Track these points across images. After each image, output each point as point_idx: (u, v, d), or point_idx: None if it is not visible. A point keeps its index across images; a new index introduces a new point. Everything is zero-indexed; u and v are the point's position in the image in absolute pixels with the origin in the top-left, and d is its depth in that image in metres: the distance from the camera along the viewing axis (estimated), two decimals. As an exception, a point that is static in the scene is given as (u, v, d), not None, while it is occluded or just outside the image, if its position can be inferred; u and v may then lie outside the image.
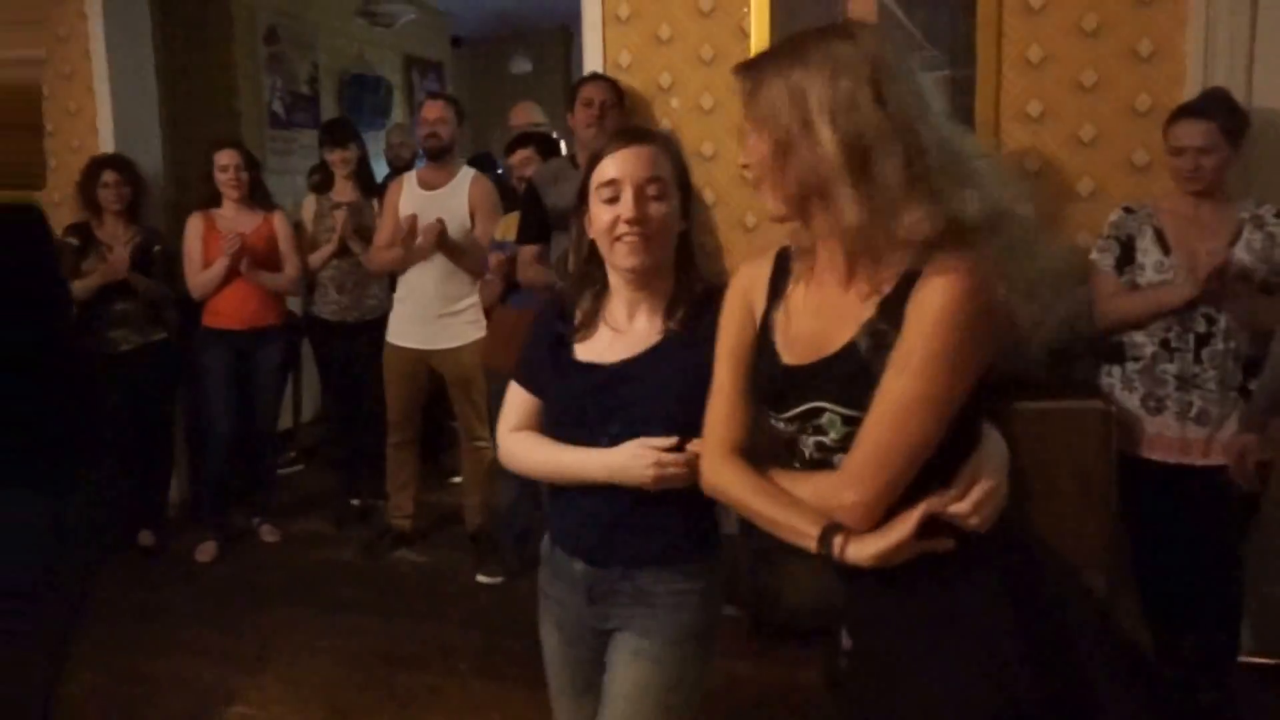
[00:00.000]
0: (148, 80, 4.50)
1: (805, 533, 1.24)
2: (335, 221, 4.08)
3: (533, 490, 3.67)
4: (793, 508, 1.27)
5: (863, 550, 1.19)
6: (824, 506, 1.23)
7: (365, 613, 3.54)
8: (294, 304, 4.44)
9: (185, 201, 4.11)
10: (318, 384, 4.69)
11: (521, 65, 7.47)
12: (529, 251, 3.32)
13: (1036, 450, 2.58)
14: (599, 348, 1.63)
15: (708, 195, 3.39)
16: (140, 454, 4.04)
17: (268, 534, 4.21)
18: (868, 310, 1.22)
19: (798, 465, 1.32)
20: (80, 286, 3.83)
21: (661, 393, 1.55)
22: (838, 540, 1.21)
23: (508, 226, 3.63)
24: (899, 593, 1.25)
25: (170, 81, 4.69)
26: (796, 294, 1.35)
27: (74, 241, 3.90)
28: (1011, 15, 3.05)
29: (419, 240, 3.67)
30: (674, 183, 1.59)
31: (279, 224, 4.05)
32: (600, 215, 1.57)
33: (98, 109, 4.32)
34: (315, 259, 4.13)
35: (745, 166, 1.34)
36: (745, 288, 1.42)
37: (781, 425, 1.32)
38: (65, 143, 4.34)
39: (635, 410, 1.56)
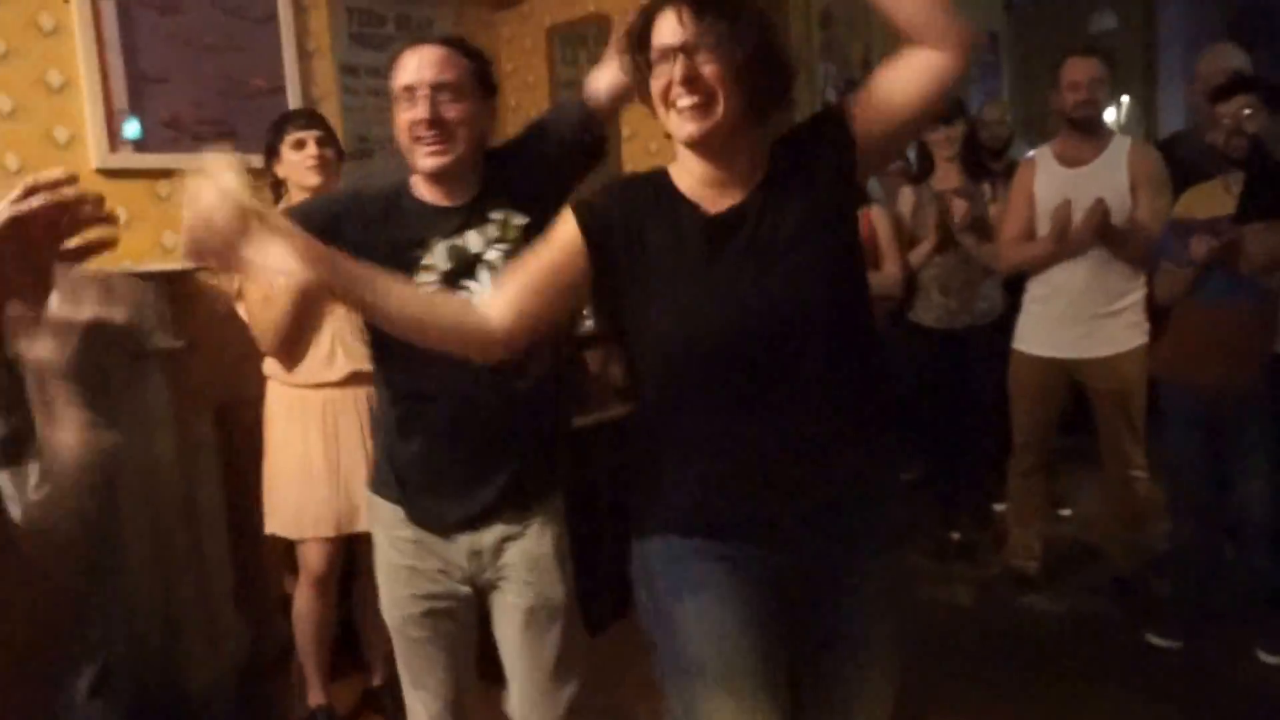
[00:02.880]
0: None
1: None
2: (950, 211, 3.55)
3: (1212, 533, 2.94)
4: None
5: None
6: None
7: (1001, 668, 2.97)
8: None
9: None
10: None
11: (1105, 22, 6.46)
12: (1260, 229, 2.52)
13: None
14: None
15: None
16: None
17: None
18: None
19: None
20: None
21: None
22: None
23: (1197, 199, 2.87)
24: None
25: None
26: None
27: None
28: None
29: (1074, 231, 3.04)
30: None
31: (877, 218, 3.61)
32: None
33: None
34: (916, 256, 3.65)
35: None
36: None
37: None
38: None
39: None
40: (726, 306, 1.40)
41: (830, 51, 5.26)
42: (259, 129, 2.75)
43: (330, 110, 3.63)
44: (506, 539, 1.82)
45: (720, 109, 1.38)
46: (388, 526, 1.86)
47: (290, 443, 2.58)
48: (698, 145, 1.41)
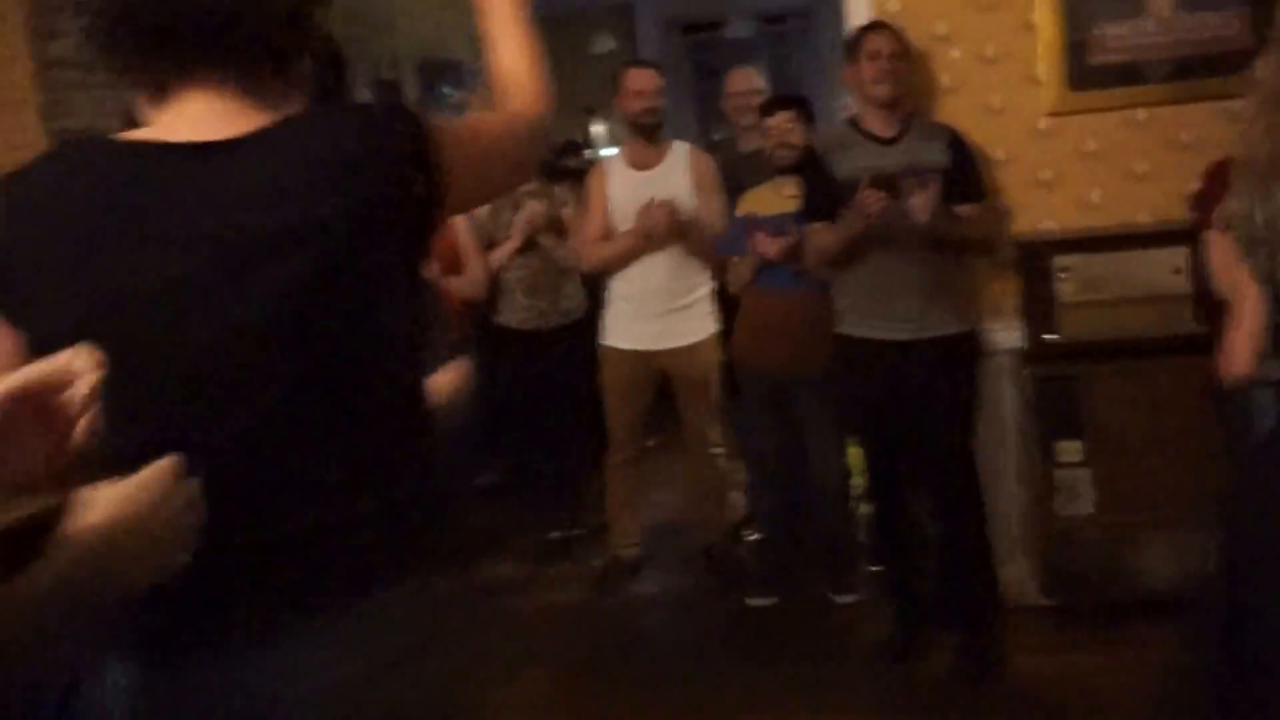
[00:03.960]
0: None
1: None
2: (524, 214, 3.58)
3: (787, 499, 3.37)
4: None
5: None
6: None
7: (618, 655, 3.10)
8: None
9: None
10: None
11: (605, 44, 6.95)
12: (819, 228, 2.89)
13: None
14: None
15: (998, 153, 3.00)
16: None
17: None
18: None
19: None
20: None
21: None
22: None
23: (757, 200, 3.24)
24: None
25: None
26: None
27: None
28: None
29: (648, 228, 3.25)
30: None
31: (458, 223, 3.54)
32: None
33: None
34: (497, 258, 3.64)
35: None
36: None
37: None
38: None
39: None
40: None
41: (355, 50, 5.07)
42: None
43: None
44: None
45: None
46: None
47: None
48: None
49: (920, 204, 2.65)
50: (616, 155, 3.50)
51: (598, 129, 6.96)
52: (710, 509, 3.59)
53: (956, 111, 2.98)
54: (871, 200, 2.64)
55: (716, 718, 2.68)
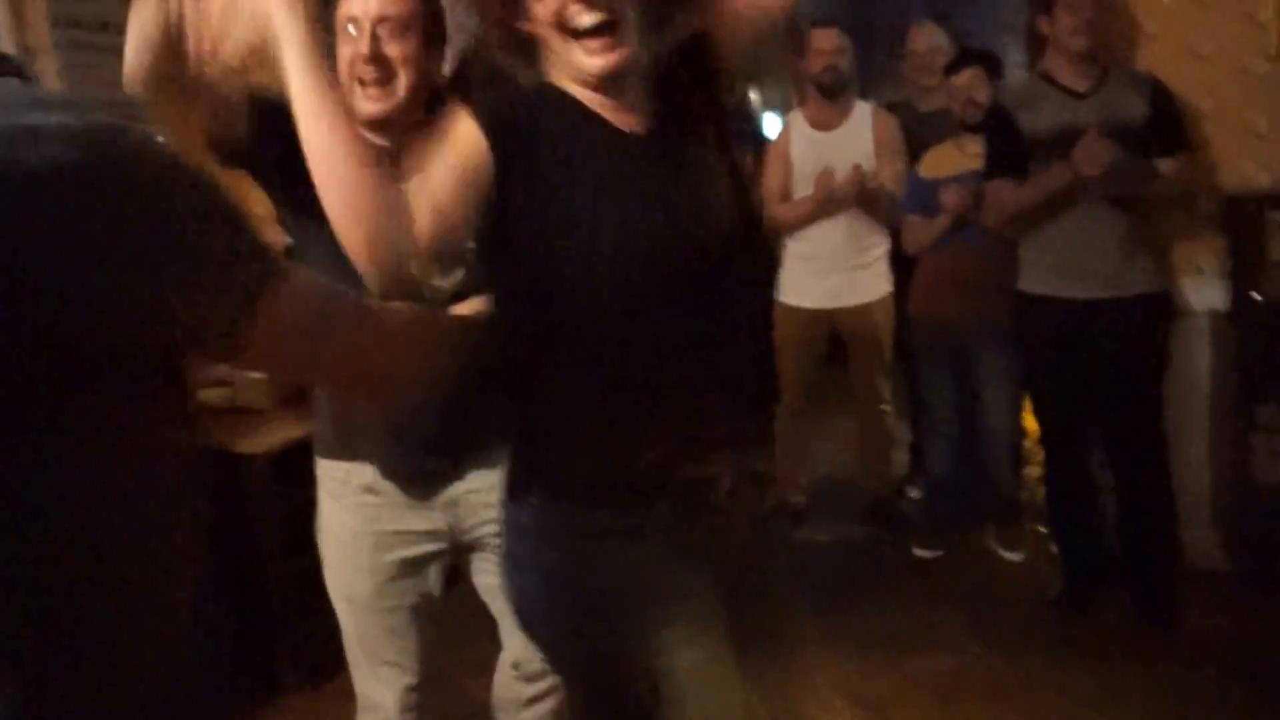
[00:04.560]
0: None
1: None
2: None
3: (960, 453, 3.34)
4: None
5: None
6: None
7: (785, 598, 3.12)
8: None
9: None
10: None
11: None
12: (1004, 185, 2.80)
13: None
14: None
15: (1205, 102, 2.83)
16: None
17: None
18: None
19: None
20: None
21: None
22: None
23: (939, 159, 3.19)
24: None
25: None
26: None
27: None
28: None
29: (837, 192, 3.26)
30: None
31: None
32: None
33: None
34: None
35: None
36: None
37: None
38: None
39: None
40: (665, 223, 1.26)
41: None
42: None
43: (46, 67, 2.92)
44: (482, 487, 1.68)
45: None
46: (340, 494, 1.73)
47: None
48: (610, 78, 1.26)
49: (1088, 157, 2.52)
50: (798, 115, 3.50)
51: (754, 96, 6.87)
52: (876, 465, 3.61)
53: (1160, 58, 2.84)
54: (1089, 156, 2.51)
55: (890, 653, 2.72)
